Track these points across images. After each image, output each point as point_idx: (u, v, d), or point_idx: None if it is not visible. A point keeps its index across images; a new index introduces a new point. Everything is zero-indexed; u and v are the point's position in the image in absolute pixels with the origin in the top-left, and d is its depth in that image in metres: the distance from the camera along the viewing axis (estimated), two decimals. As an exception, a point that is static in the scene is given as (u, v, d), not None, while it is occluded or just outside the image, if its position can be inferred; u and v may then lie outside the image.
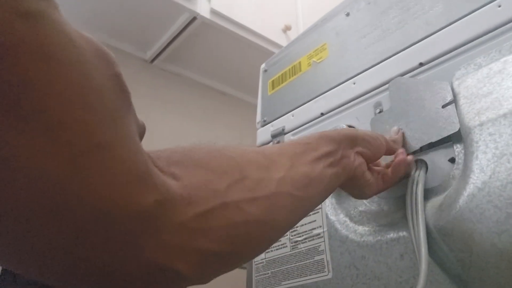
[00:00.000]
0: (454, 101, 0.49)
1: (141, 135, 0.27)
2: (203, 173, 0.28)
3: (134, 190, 0.21)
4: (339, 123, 0.68)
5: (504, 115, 0.42)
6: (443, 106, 0.51)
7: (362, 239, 0.53)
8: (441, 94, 0.52)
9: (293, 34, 1.51)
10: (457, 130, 0.48)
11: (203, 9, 1.31)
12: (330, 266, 0.56)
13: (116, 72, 0.24)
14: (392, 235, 0.50)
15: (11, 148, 0.18)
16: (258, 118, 0.88)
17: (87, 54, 0.21)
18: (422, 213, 0.46)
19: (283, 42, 1.48)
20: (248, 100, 1.72)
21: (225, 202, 0.27)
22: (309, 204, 0.38)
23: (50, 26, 0.19)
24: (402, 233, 0.48)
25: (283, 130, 0.80)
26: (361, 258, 0.52)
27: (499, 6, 0.52)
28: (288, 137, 0.79)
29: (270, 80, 0.89)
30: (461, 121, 0.47)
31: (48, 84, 0.19)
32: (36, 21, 0.19)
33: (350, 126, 0.65)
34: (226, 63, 1.57)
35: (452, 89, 0.50)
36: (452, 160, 0.51)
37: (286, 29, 1.52)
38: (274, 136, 0.81)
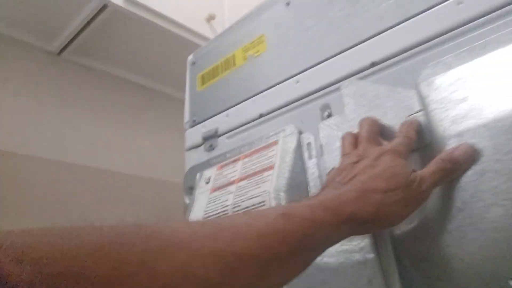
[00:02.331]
0: (423, 107, 0.44)
1: None
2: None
3: None
4: (280, 126, 0.61)
5: (485, 125, 0.37)
6: (409, 116, 0.45)
7: (323, 261, 0.46)
8: (406, 102, 0.46)
9: (217, 24, 1.42)
10: (427, 142, 0.43)
11: (115, -4, 1.17)
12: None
13: None
14: (358, 257, 0.44)
15: None
16: (187, 117, 0.78)
17: None
18: (388, 237, 0.40)
19: (207, 33, 1.39)
20: (172, 94, 1.59)
21: None
22: None
23: None
24: (370, 256, 0.42)
25: (216, 132, 0.71)
26: (322, 283, 0.45)
27: (460, 4, 0.48)
28: (222, 140, 0.70)
29: (200, 74, 0.80)
30: (433, 129, 0.42)
31: None
32: None
33: (300, 132, 0.58)
34: (145, 54, 1.43)
35: (419, 91, 0.45)
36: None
37: (210, 18, 1.43)
38: (206, 138, 0.72)
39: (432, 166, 0.38)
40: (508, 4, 0.44)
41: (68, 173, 1.24)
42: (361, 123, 0.46)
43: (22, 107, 1.23)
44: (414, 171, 0.38)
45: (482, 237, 0.35)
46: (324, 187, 0.41)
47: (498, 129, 0.36)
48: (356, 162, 0.39)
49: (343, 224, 0.33)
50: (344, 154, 0.43)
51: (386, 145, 0.41)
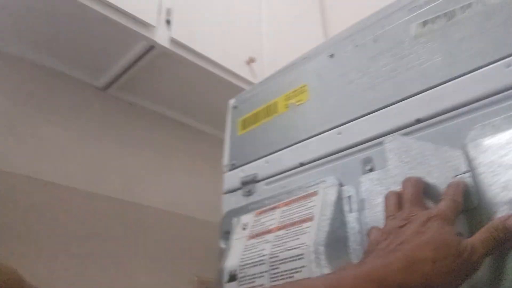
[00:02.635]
0: (471, 169, 0.43)
1: None
2: None
3: None
4: (321, 176, 0.61)
5: (539, 196, 0.36)
6: (456, 177, 0.45)
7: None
8: (452, 163, 0.46)
9: (257, 67, 1.45)
10: (474, 206, 0.42)
11: (162, 38, 1.21)
12: None
13: None
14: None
15: None
16: (226, 160, 0.79)
17: None
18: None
19: (247, 75, 1.42)
20: (211, 132, 1.63)
21: None
22: None
23: None
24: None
25: (255, 177, 0.72)
26: None
27: (509, 66, 0.48)
28: (261, 186, 0.71)
29: (241, 119, 0.81)
30: (482, 193, 0.41)
31: None
32: None
33: (341, 185, 0.57)
34: (186, 93, 1.47)
35: (466, 152, 0.44)
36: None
37: (250, 61, 1.46)
38: (244, 183, 0.73)
39: (483, 234, 0.37)
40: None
41: (104, 206, 1.27)
42: (405, 183, 0.45)
43: (66, 139, 1.28)
44: (460, 234, 0.37)
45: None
46: (368, 252, 0.40)
47: (553, 200, 0.35)
48: (402, 227, 0.38)
49: None
50: (388, 216, 0.43)
51: (433, 209, 0.40)
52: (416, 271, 0.33)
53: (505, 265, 0.36)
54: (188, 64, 1.30)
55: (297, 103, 0.71)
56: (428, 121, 0.53)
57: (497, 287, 0.36)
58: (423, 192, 0.44)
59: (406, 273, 0.33)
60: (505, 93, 0.47)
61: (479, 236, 0.36)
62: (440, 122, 0.52)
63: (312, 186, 0.61)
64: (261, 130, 0.76)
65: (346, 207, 0.56)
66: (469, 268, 0.35)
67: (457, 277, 0.35)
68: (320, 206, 0.57)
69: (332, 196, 0.57)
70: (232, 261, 0.61)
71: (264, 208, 0.65)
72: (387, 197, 0.45)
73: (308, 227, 0.56)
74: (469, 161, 0.45)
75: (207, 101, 1.49)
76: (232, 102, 0.86)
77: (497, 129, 0.44)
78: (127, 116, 1.46)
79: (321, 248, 0.52)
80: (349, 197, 0.57)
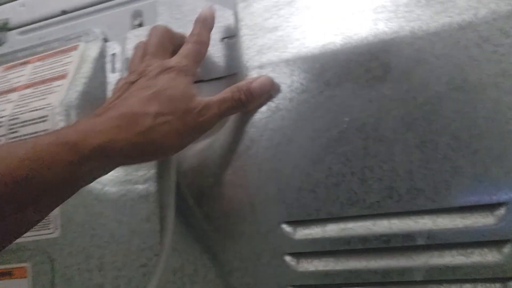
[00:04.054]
0: (236, 32, 0.39)
1: None
2: None
3: None
4: (85, 28, 0.52)
5: (287, 61, 0.34)
6: (222, 39, 0.41)
7: (104, 190, 0.41)
8: (223, 23, 0.41)
9: None
10: (233, 73, 0.39)
11: None
12: (58, 221, 0.42)
13: None
14: (141, 189, 0.39)
15: None
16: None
17: None
18: (173, 170, 0.36)
19: None
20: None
21: None
22: None
23: None
24: (152, 189, 0.38)
25: (6, 23, 0.57)
26: (99, 216, 0.40)
27: None
28: (13, 36, 0.57)
29: None
30: (240, 57, 0.38)
31: None
32: None
33: (106, 40, 0.49)
34: None
35: (236, 13, 0.40)
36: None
37: None
38: (-8, 30, 0.58)
39: (224, 94, 0.33)
40: None
41: None
42: (151, 32, 0.37)
43: None
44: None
45: (262, 178, 0.33)
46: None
47: (297, 66, 0.34)
48: (134, 82, 0.32)
49: (88, 159, 0.27)
50: (129, 71, 0.36)
51: (171, 59, 0.34)
52: (132, 128, 0.28)
53: (243, 130, 0.35)
54: None
55: None
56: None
57: (232, 152, 0.35)
58: (173, 45, 0.38)
59: (117, 132, 0.28)
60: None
61: (219, 95, 0.33)
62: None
63: (73, 39, 0.51)
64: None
65: (108, 66, 0.49)
66: (199, 126, 0.32)
67: (183, 135, 0.31)
68: (77, 62, 0.48)
69: (93, 52, 0.49)
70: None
71: (14, 63, 0.53)
72: (134, 48, 0.38)
73: (59, 85, 0.47)
74: (237, 22, 0.41)
75: None
76: None
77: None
78: None
79: (70, 110, 0.44)
80: (113, 54, 0.49)
